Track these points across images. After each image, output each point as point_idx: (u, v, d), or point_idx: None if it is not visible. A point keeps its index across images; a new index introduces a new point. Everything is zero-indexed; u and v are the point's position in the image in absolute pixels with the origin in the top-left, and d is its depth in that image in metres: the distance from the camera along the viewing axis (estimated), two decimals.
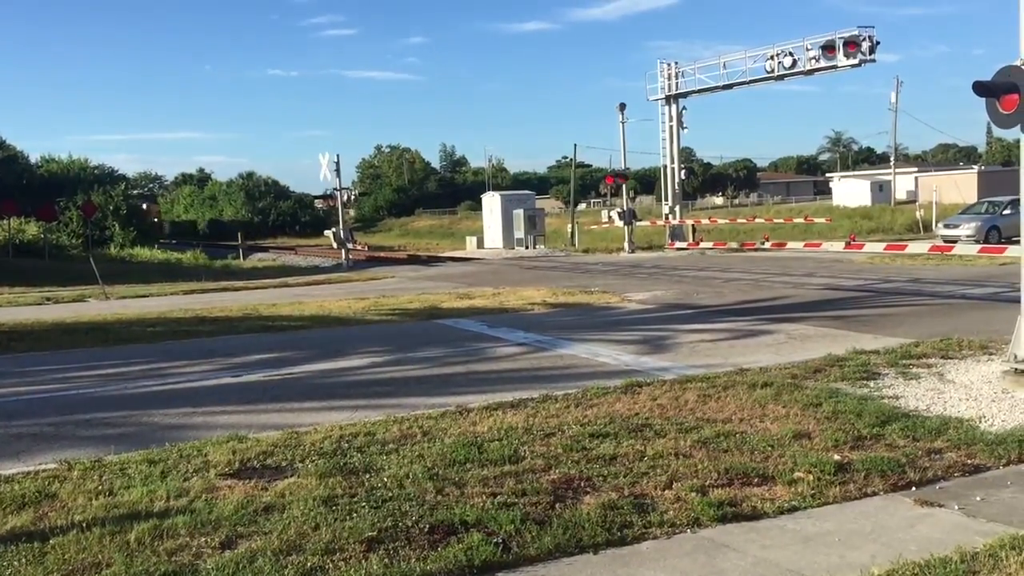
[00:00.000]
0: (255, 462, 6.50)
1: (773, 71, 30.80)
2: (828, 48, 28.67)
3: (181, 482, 6.04)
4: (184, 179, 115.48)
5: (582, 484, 5.79)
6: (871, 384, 8.53)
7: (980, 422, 7.06)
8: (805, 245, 25.79)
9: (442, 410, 8.01)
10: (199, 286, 24.59)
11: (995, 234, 29.57)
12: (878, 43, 28.09)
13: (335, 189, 33.70)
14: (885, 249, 23.26)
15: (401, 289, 21.90)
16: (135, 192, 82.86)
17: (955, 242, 27.49)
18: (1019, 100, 7.98)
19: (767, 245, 27.97)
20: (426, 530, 5.00)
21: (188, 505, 5.54)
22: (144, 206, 72.77)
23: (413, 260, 37.35)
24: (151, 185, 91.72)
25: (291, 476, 6.12)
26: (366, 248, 43.14)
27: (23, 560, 4.74)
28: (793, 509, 5.30)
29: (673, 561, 4.64)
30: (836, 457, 6.15)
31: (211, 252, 46.61)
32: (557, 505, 5.40)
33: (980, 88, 8.28)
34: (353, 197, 39.33)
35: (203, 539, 4.97)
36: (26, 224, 42.04)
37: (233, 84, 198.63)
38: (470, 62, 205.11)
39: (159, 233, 69.63)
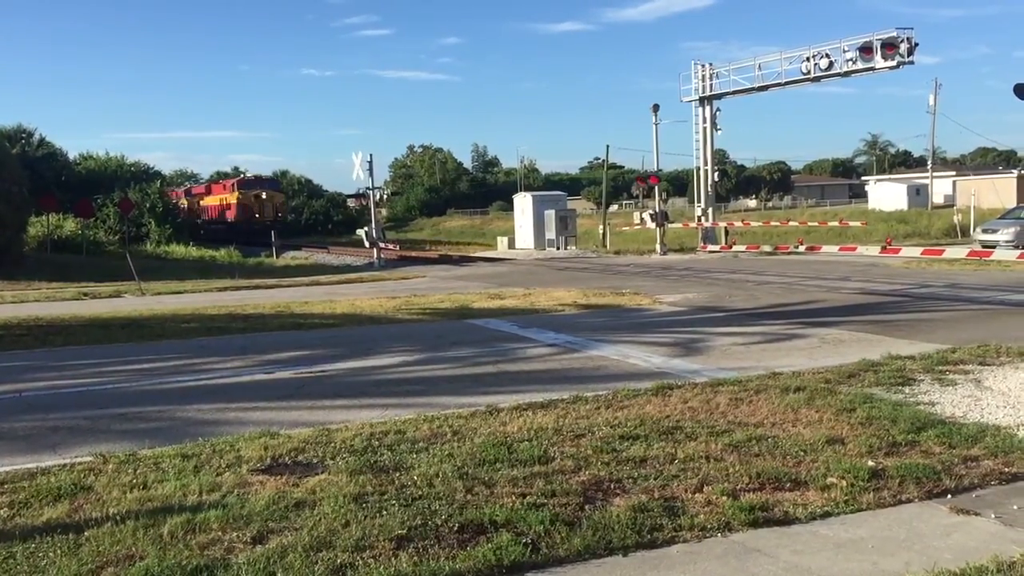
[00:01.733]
0: (287, 458, 6.56)
1: (809, 72, 30.47)
2: (865, 50, 28.29)
3: (214, 477, 6.09)
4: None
5: (612, 486, 5.76)
6: (906, 390, 8.42)
7: (1018, 430, 6.94)
8: (840, 249, 25.51)
9: (472, 410, 8.02)
10: (232, 283, 24.87)
11: None
12: (917, 45, 27.65)
13: (368, 188, 33.85)
14: (922, 254, 22.91)
15: (432, 288, 21.97)
16: (251, 176, 76.44)
17: (993, 247, 27.01)
18: None
19: (801, 248, 27.69)
20: (455, 529, 5.01)
21: (220, 500, 5.60)
22: (262, 194, 65.74)
23: (444, 260, 37.43)
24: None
25: (322, 473, 6.15)
26: (397, 247, 43.28)
27: (58, 551, 4.81)
28: (826, 515, 5.25)
29: (703, 565, 4.61)
30: (870, 463, 6.07)
31: (244, 250, 46.91)
32: (586, 506, 5.38)
33: (1021, 91, 8.17)
34: (385, 196, 39.41)
35: (235, 533, 5.02)
36: (64, 220, 42.76)
37: (268, 84, 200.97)
38: (504, 63, 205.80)
39: (287, 225, 60.72)
